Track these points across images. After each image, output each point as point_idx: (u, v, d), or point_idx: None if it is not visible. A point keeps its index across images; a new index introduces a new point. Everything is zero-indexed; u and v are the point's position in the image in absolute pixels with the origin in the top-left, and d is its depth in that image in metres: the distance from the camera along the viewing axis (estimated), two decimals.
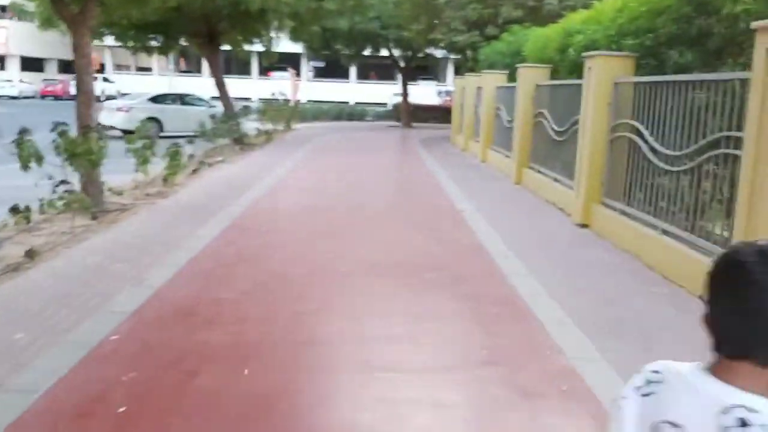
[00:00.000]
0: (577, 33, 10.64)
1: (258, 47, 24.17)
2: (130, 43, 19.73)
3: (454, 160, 16.75)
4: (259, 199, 9.94)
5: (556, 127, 10.32)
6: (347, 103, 49.00)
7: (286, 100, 29.11)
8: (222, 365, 3.83)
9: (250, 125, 24.36)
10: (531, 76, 11.72)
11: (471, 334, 4.55)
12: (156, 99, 24.02)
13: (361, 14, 24.95)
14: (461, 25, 21.27)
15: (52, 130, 7.75)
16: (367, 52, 31.61)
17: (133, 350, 4.00)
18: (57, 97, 49.22)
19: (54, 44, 48.85)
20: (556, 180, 10.17)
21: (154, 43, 20.48)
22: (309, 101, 46.14)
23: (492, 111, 15.60)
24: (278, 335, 4.38)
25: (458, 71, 56.75)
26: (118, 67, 67.89)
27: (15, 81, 53.15)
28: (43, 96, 51.32)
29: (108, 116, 23.36)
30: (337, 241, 7.26)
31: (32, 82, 53.82)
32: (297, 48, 34.09)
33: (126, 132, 22.10)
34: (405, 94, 31.96)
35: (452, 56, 36.70)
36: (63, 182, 7.44)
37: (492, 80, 15.53)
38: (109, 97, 36.61)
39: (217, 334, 4.32)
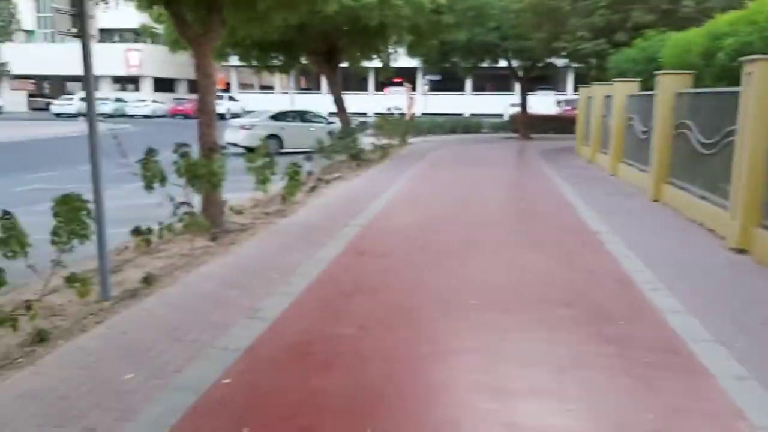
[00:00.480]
0: (726, 36, 9.56)
1: (375, 63, 24.11)
2: (253, 63, 20.17)
3: (581, 173, 15.73)
4: (375, 218, 9.57)
5: (702, 139, 9.26)
6: (462, 115, 48.41)
7: (402, 115, 28.93)
8: (341, 422, 3.37)
9: (366, 140, 24.38)
10: (671, 84, 10.65)
11: (628, 391, 3.84)
12: (276, 117, 24.50)
13: (480, 25, 24.32)
14: (587, 32, 20.16)
15: (175, 151, 7.73)
16: (484, 64, 30.88)
17: (245, 399, 3.63)
18: (186, 116, 51.93)
19: (183, 65, 51.62)
20: (703, 198, 9.10)
21: (275, 62, 20.85)
22: (424, 114, 46.02)
23: (623, 121, 14.50)
24: (403, 383, 3.88)
25: (580, 80, 54.88)
26: (243, 86, 71.02)
27: (148, 101, 56.64)
28: (173, 115, 54.38)
29: (231, 134, 24.11)
30: (459, 267, 6.70)
31: (164, 102, 57.18)
32: (413, 62, 33.93)
33: (248, 149, 22.76)
34: (523, 105, 30.95)
35: (574, 65, 35.36)
36: (183, 204, 7.37)
37: (623, 88, 14.44)
38: (234, 116, 38.03)
39: (336, 379, 3.89)
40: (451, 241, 7.94)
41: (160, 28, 17.53)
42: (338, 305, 5.37)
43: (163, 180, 7.39)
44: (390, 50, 22.08)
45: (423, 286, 5.97)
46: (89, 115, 5.58)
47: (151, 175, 7.31)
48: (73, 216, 5.68)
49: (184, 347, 4.35)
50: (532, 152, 22.28)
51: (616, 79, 14.92)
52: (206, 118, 8.90)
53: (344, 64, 22.69)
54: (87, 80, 5.43)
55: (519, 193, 12.70)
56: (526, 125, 30.66)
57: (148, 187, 7.34)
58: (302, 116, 25.26)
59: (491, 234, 8.46)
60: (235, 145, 24.03)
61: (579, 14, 20.37)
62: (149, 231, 7.53)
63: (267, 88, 68.17)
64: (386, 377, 3.95)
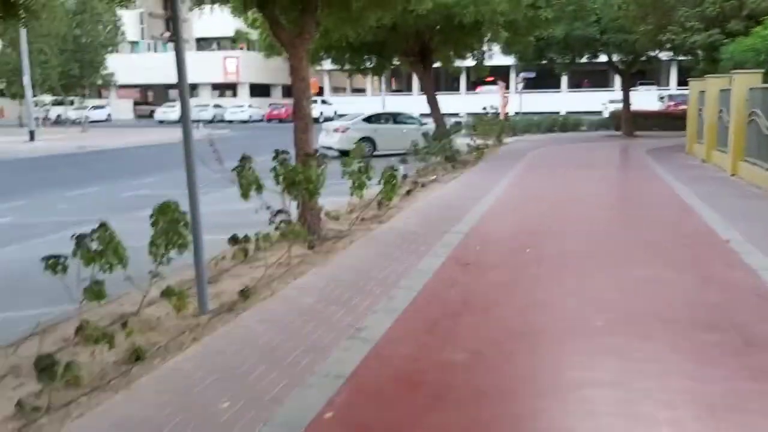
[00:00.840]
0: None
1: (468, 62, 23.45)
2: (346, 66, 20.03)
3: (695, 173, 14.58)
4: (477, 225, 9.06)
5: None
6: (558, 113, 46.82)
7: (496, 114, 28.15)
8: None
9: (460, 141, 23.82)
10: None
11: None
12: (370, 119, 24.33)
13: (581, 19, 23.21)
14: (698, 22, 18.76)
15: (274, 158, 7.51)
16: (582, 59, 29.59)
17: None
18: (281, 120, 53.01)
19: (278, 71, 52.68)
20: None
21: (368, 65, 20.64)
22: (518, 113, 44.83)
23: (744, 117, 13.29)
24: (528, 425, 3.39)
25: (684, 74, 51.97)
26: (335, 90, 71.88)
27: (245, 106, 58.20)
28: (269, 119, 55.64)
29: (326, 137, 24.14)
30: (578, 282, 6.10)
31: (260, 107, 58.59)
32: (506, 60, 32.93)
33: (342, 153, 22.72)
34: (626, 101, 29.44)
35: (679, 58, 33.36)
36: (280, 212, 7.13)
37: (744, 81, 13.23)
38: (327, 119, 38.24)
39: (450, 417, 3.44)
40: (564, 252, 7.32)
41: (254, 34, 17.69)
42: (446, 326, 4.92)
43: (259, 187, 7.18)
44: (484, 48, 21.40)
45: (539, 303, 5.43)
46: (184, 121, 5.39)
47: (247, 183, 7.12)
48: (171, 226, 5.53)
49: (283, 372, 4.02)
50: (639, 151, 21.03)
51: (734, 71, 13.67)
52: (302, 123, 8.67)
53: (437, 64, 22.24)
54: (181, 86, 5.24)
55: (632, 196, 11.82)
56: (629, 122, 29.16)
57: (245, 195, 7.15)
58: (395, 118, 24.99)
59: (608, 244, 7.77)
60: (329, 148, 24.04)
61: (688, 4, 18.99)
62: (246, 239, 7.35)
63: (359, 90, 68.68)
64: (505, 416, 3.47)
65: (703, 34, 18.66)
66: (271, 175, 7.33)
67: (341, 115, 38.91)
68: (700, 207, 9.92)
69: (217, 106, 59.68)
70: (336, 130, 23.67)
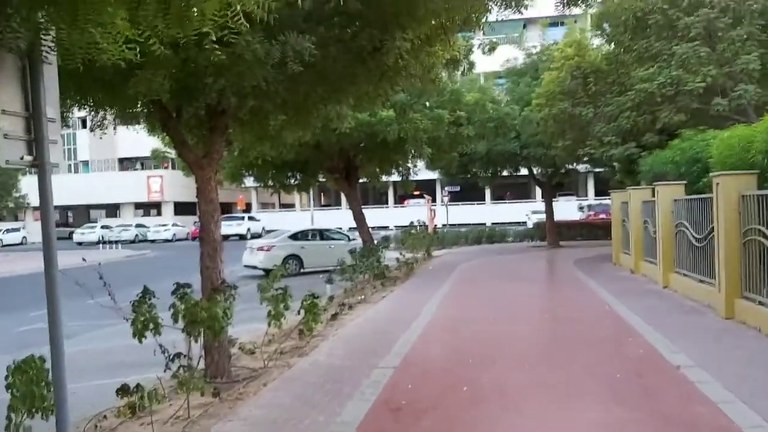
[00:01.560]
0: None
1: (395, 177, 23.44)
2: (270, 183, 19.54)
3: (627, 285, 14.34)
4: (408, 353, 8.23)
5: None
6: (484, 224, 47.58)
7: (424, 227, 28.00)
8: None
9: (390, 255, 23.31)
10: (733, 185, 9.49)
11: None
12: (296, 236, 23.67)
13: (502, 136, 23.75)
14: (614, 136, 19.35)
15: (173, 293, 6.58)
16: (504, 173, 30.30)
17: None
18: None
19: None
20: None
21: (292, 182, 20.24)
22: (446, 225, 45.24)
23: (671, 227, 13.27)
24: None
25: (601, 185, 54.19)
26: (264, 206, 71.44)
27: (169, 225, 56.71)
28: (194, 237, 54.20)
29: (250, 256, 23.21)
30: (520, 426, 5.29)
31: (184, 225, 57.19)
32: (431, 174, 33.42)
33: (267, 272, 21.82)
34: (549, 212, 29.96)
35: (597, 170, 34.70)
36: (178, 356, 6.13)
37: (668, 192, 13.33)
38: (255, 236, 37.37)
39: None
40: (503, 387, 6.53)
41: (172, 152, 17.11)
42: None
43: (156, 327, 6.20)
44: (410, 164, 21.43)
45: None
46: (46, 250, 4.44)
47: (143, 322, 6.14)
48: (31, 388, 4.50)
49: None
50: (567, 262, 20.97)
51: (657, 183, 13.80)
52: (209, 248, 7.84)
53: (363, 180, 22.08)
54: (45, 213, 4.35)
55: (569, 315, 11.29)
56: (554, 233, 29.57)
57: (139, 336, 6.15)
58: (322, 234, 24.42)
59: (551, 375, 7.03)
60: (254, 267, 23.08)
61: (604, 120, 19.65)
62: (138, 388, 6.25)
63: (287, 206, 68.46)
64: None
65: (619, 147, 19.19)
66: (171, 314, 6.38)
67: (269, 231, 38.22)
68: (641, 326, 9.43)
69: (139, 225, 57.97)
70: (260, 249, 22.82)
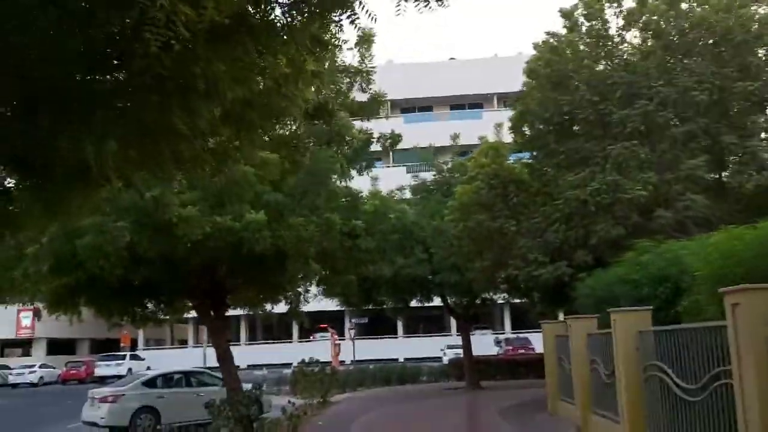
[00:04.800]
0: None
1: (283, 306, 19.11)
2: (110, 313, 14.83)
3: None
4: None
5: None
6: (397, 360, 43.13)
7: (324, 365, 23.52)
8: None
9: (277, 402, 18.69)
10: (756, 307, 6.00)
11: None
12: (152, 382, 18.65)
13: (408, 255, 20.19)
14: (542, 255, 16.17)
15: None
16: (414, 303, 26.55)
17: None
18: (81, 380, 44.51)
19: (86, 324, 45.66)
20: None
21: (142, 311, 15.60)
22: (354, 362, 40.56)
23: (638, 370, 9.62)
24: None
25: (518, 315, 51.36)
26: (154, 342, 64.32)
27: (36, 366, 48.95)
28: (65, 380, 46.70)
29: (89, 410, 17.94)
30: None
31: (55, 367, 49.60)
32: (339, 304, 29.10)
33: (117, 428, 16.70)
34: (467, 348, 26.12)
35: (514, 301, 31.67)
36: None
37: (631, 322, 9.78)
38: (118, 377, 31.07)
39: None
40: None
41: None
42: None
43: None
44: (299, 288, 17.32)
45: None
46: None
47: None
48: None
49: None
50: (491, 412, 16.87)
51: (614, 310, 10.23)
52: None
53: (240, 309, 17.74)
54: None
55: None
56: (473, 372, 25.59)
57: None
58: (189, 378, 19.45)
59: None
60: (93, 424, 17.77)
61: (529, 235, 16.55)
62: None
63: (182, 342, 61.80)
64: None
65: (548, 267, 15.96)
66: None
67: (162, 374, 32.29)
68: None
69: (1, 366, 49.82)
70: (104, 400, 17.62)
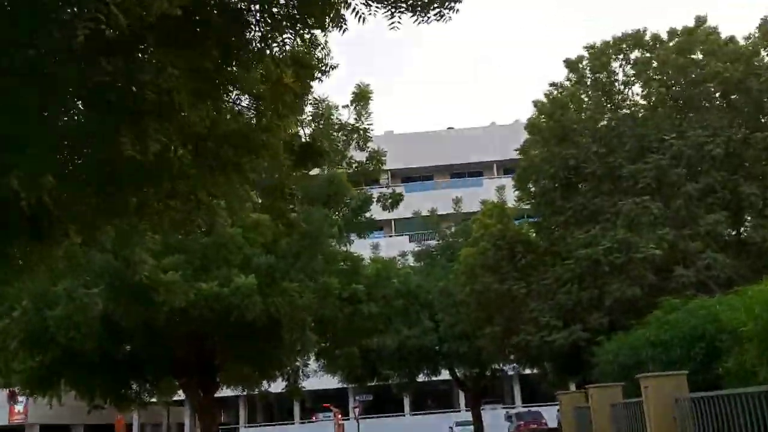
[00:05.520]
0: None
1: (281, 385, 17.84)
2: (84, 394, 13.60)
3: None
4: None
5: None
6: None
7: None
8: None
9: None
10: None
11: None
12: None
13: (413, 324, 19.06)
14: (554, 318, 15.10)
15: None
16: (421, 377, 25.14)
17: None
18: None
19: (79, 408, 43.76)
20: None
21: (128, 391, 14.38)
22: None
23: None
24: None
25: (529, 387, 49.34)
26: (150, 427, 61.78)
27: None
28: None
29: None
30: None
31: None
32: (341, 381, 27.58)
33: None
34: (478, 424, 24.56)
35: (524, 372, 30.22)
36: None
37: (664, 387, 8.64)
38: None
39: None
40: None
41: None
42: None
43: None
44: (297, 362, 16.15)
45: None
46: None
47: None
48: None
49: None
50: None
51: (643, 376, 9.10)
52: None
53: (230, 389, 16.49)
54: None
55: None
56: None
57: None
58: None
59: None
60: None
61: (538, 297, 15.52)
62: None
63: (180, 426, 59.28)
64: None
65: (562, 332, 14.86)
66: None
67: None
68: None
69: None
70: None
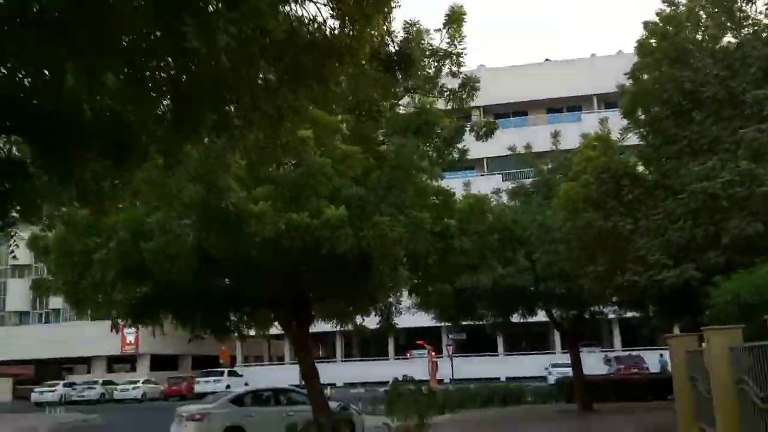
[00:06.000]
0: None
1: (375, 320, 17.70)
2: (185, 325, 13.92)
3: None
4: None
5: None
6: (498, 379, 40.91)
7: (419, 384, 21.96)
8: None
9: (371, 423, 17.46)
10: None
11: None
12: (241, 399, 17.76)
13: (508, 262, 18.39)
14: (665, 257, 14.04)
15: None
16: (516, 317, 24.52)
17: None
18: (183, 396, 45.04)
19: (186, 340, 46.18)
20: None
21: (219, 322, 14.62)
22: (452, 380, 38.75)
23: None
24: None
25: (628, 331, 47.80)
26: (253, 359, 64.79)
27: (139, 383, 50.11)
28: (167, 397, 47.49)
29: (176, 429, 17.23)
30: None
31: (159, 383, 50.59)
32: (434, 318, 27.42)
33: None
34: (577, 366, 23.81)
35: (626, 316, 29.03)
36: None
37: None
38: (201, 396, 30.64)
39: None
40: None
41: None
42: None
43: None
44: (390, 299, 15.92)
45: None
46: None
47: None
48: None
49: None
50: None
51: None
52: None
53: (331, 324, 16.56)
54: None
55: None
56: (584, 393, 23.27)
57: None
58: (279, 397, 18.44)
59: None
60: None
61: (650, 234, 14.44)
62: None
63: (280, 359, 61.86)
64: None
65: (672, 270, 13.81)
66: None
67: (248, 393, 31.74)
68: None
69: (107, 382, 51.37)
70: (191, 419, 16.86)
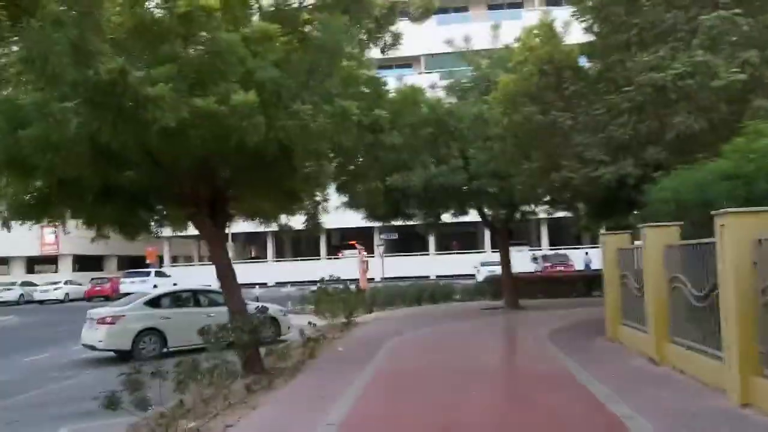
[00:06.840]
0: None
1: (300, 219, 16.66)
2: (90, 223, 12.53)
3: (664, 394, 8.15)
4: None
5: None
6: (428, 277, 41.31)
7: (347, 283, 21.49)
8: None
9: (298, 322, 16.95)
10: None
11: None
12: (157, 301, 16.86)
13: (442, 159, 17.54)
14: (603, 153, 13.45)
15: None
16: (447, 218, 24.04)
17: None
18: (107, 297, 43.69)
19: (113, 240, 44.25)
20: None
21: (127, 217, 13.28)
22: (382, 279, 38.82)
23: (744, 288, 7.11)
24: None
25: (556, 233, 48.75)
26: (183, 259, 63.57)
27: (61, 283, 48.32)
28: (90, 298, 46.00)
29: (88, 331, 16.26)
30: None
31: (82, 283, 48.92)
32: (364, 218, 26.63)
33: (119, 352, 15.52)
34: (506, 264, 23.72)
35: (555, 216, 28.99)
36: None
37: (745, 226, 7.19)
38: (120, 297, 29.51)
39: None
40: None
41: None
42: None
43: None
44: (316, 197, 14.87)
45: None
46: None
47: None
48: None
49: None
50: (538, 336, 14.63)
51: (721, 212, 7.58)
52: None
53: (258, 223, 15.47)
54: None
55: None
56: (512, 290, 23.32)
57: None
58: (198, 298, 17.61)
59: None
60: (92, 347, 16.11)
61: (588, 129, 13.77)
62: None
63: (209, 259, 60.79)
64: None
65: (610, 166, 13.26)
66: None
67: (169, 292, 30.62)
68: None
69: (26, 283, 49.37)
70: (102, 321, 15.87)
